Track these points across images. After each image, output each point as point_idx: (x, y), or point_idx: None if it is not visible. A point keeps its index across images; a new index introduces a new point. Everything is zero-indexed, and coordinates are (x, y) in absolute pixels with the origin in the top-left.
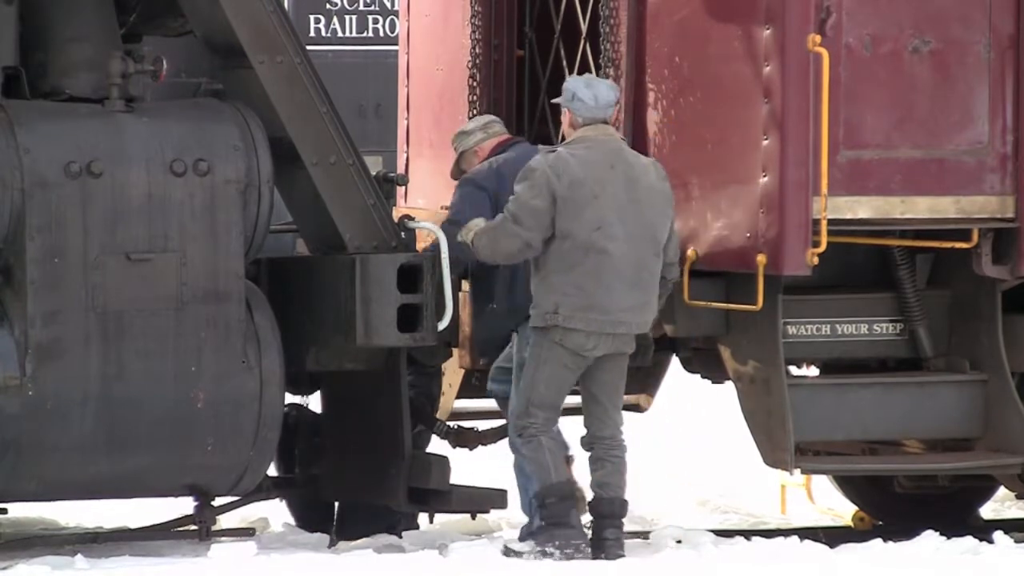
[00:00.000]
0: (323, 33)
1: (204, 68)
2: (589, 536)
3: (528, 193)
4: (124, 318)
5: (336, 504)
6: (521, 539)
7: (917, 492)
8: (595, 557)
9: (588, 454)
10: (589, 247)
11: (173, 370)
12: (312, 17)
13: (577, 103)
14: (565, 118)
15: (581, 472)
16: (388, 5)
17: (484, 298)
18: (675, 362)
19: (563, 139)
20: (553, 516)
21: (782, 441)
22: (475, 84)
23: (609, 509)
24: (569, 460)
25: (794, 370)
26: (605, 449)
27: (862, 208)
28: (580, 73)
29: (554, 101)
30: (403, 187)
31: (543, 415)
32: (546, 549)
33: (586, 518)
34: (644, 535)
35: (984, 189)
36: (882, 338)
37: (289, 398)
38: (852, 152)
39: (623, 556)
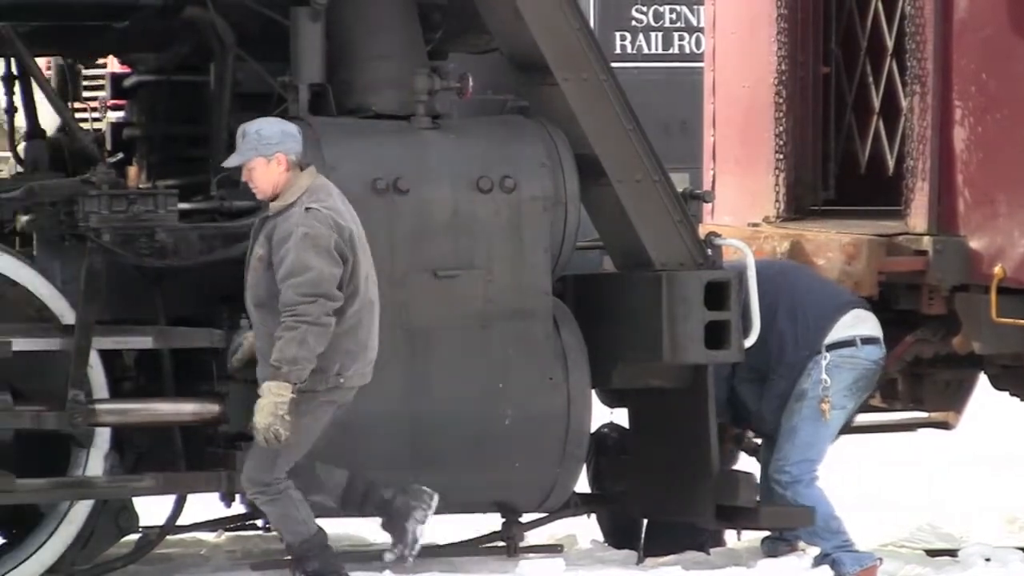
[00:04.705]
0: (628, 50)
1: (510, 85)
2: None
3: (327, 262)
4: (430, 335)
5: (644, 521)
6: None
7: None
8: None
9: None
10: (364, 302)
11: (479, 387)
12: (617, 34)
13: (291, 141)
14: (275, 165)
15: None
16: (694, 22)
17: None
18: (983, 379)
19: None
20: (324, 569)
21: None
22: (781, 101)
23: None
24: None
25: None
26: None
27: None
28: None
29: (237, 155)
30: (709, 204)
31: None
32: None
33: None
34: (952, 553)
35: None
36: None
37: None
38: None
39: None
